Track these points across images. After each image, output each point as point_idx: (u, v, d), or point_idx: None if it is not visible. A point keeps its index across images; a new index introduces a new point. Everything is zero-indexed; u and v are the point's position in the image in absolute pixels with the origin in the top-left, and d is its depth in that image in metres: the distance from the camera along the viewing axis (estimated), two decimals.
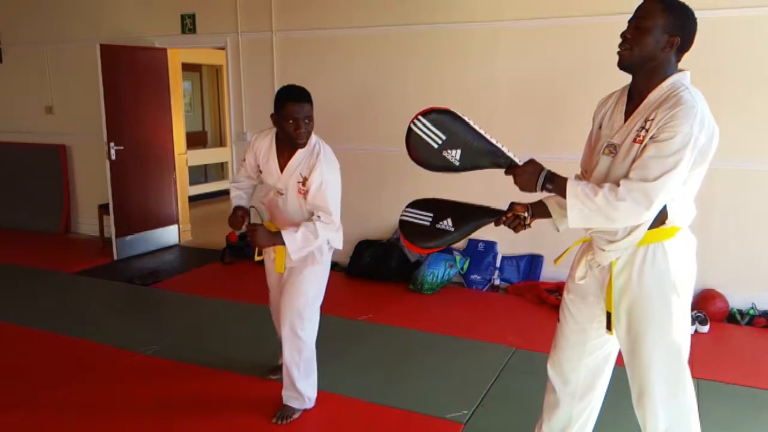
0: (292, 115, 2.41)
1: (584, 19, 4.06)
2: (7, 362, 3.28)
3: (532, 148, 3.76)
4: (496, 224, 1.91)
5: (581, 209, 1.67)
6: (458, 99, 4.28)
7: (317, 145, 2.54)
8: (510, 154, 1.81)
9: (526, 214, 1.89)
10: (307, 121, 2.44)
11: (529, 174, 1.77)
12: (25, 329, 3.72)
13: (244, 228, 2.60)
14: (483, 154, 1.81)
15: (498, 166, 1.82)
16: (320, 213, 2.50)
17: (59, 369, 3.19)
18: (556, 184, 1.73)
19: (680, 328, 1.78)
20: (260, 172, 2.67)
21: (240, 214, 2.60)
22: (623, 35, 1.73)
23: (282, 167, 2.55)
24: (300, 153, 2.52)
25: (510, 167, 1.81)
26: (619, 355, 1.99)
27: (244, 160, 2.72)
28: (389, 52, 4.71)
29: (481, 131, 1.81)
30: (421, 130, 1.82)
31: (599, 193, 1.65)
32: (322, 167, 2.46)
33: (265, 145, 2.61)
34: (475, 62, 4.44)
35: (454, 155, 1.81)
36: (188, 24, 5.39)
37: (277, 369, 2.95)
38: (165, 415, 2.72)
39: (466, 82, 4.48)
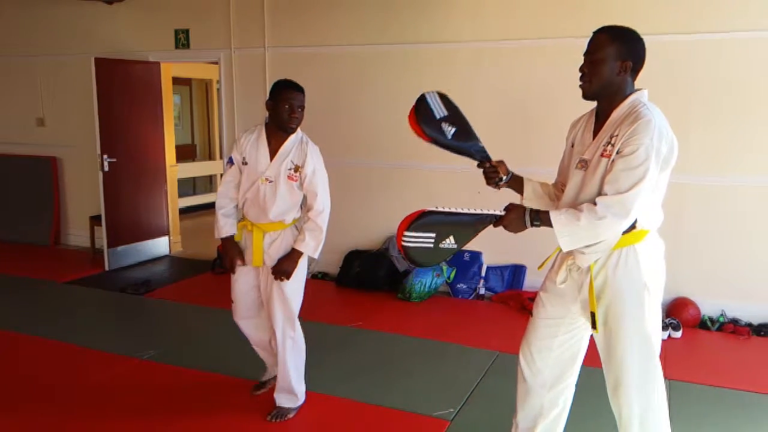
0: (288, 100, 2.58)
1: (561, 40, 4.27)
2: (2, 369, 3.33)
3: (512, 161, 3.86)
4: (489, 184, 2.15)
5: (570, 235, 1.86)
6: None
7: (304, 137, 2.73)
8: (491, 212, 1.96)
9: (503, 177, 2.12)
10: (300, 109, 2.62)
11: (515, 219, 1.96)
12: (18, 335, 3.78)
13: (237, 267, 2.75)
14: (471, 226, 1.96)
15: (485, 225, 1.97)
16: (313, 201, 2.66)
17: (54, 374, 3.26)
18: (542, 219, 1.92)
19: (652, 321, 1.96)
20: (245, 163, 2.70)
21: (232, 256, 2.73)
22: (581, 69, 1.94)
23: (272, 155, 2.67)
24: (290, 141, 2.66)
25: (497, 221, 1.97)
26: (588, 355, 2.15)
27: (230, 164, 2.74)
28: (378, 69, 4.89)
29: (458, 209, 1.94)
30: (412, 242, 1.91)
31: (581, 217, 1.83)
32: (313, 156, 2.66)
33: (252, 137, 2.71)
34: (460, 80, 4.62)
35: (450, 242, 1.94)
36: (182, 39, 5.52)
37: (262, 385, 3.04)
38: (161, 417, 2.82)
39: (450, 98, 4.66)
